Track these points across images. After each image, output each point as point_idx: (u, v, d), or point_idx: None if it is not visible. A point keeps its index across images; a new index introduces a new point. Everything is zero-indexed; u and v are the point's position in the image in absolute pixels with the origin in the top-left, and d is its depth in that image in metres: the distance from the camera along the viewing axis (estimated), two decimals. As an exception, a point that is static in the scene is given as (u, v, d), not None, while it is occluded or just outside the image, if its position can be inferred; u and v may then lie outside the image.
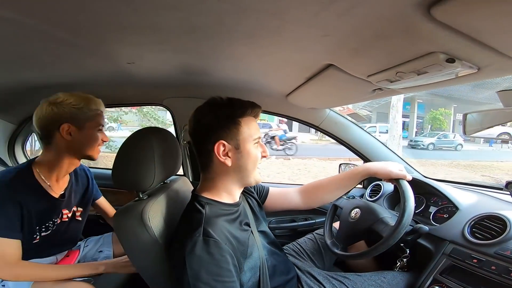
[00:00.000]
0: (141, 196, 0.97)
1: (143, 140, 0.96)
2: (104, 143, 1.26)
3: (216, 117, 0.92)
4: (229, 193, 0.96)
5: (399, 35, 0.57)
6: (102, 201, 1.52)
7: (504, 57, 0.55)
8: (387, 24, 0.54)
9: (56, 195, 1.21)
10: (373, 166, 1.17)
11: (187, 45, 0.85)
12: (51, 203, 1.19)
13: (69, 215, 1.29)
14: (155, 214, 0.90)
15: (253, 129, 0.94)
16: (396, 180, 1.09)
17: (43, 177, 1.17)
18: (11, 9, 0.62)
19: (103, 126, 1.23)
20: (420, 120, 21.72)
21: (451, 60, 0.58)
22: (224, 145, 0.90)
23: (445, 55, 0.57)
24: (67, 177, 1.28)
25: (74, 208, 1.31)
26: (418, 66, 0.63)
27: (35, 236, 1.14)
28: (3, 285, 1.11)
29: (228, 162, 0.92)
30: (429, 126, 18.69)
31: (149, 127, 1.10)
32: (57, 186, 1.22)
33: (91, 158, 1.23)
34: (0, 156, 1.81)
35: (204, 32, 0.72)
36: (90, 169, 1.47)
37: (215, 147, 0.90)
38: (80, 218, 1.34)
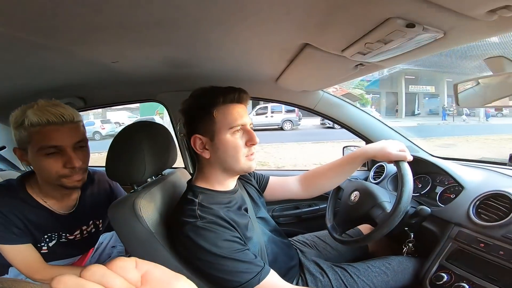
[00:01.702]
0: (136, 188, 1.00)
1: (132, 135, 0.98)
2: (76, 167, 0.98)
3: (192, 111, 0.92)
4: (220, 183, 0.96)
5: (355, 3, 0.55)
6: None
7: (464, 18, 0.53)
8: None
9: (61, 212, 1.10)
10: (370, 148, 1.10)
11: (162, 39, 0.85)
12: (54, 218, 1.08)
13: (89, 229, 1.19)
14: (148, 205, 0.93)
15: (231, 117, 0.89)
16: (395, 162, 1.01)
17: (37, 194, 1.05)
18: None
19: (53, 147, 0.94)
20: (378, 96, 20.83)
21: (411, 25, 0.56)
22: (200, 139, 0.91)
23: (402, 20, 0.55)
24: (76, 193, 1.15)
25: (97, 222, 1.22)
26: (381, 35, 0.62)
27: (39, 246, 1.06)
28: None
29: (206, 154, 0.92)
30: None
31: (140, 121, 1.11)
32: (60, 205, 1.10)
33: (63, 187, 1.01)
34: (13, 162, 1.89)
35: (172, 25, 0.73)
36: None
37: (191, 141, 0.92)
38: (101, 228, 1.26)
